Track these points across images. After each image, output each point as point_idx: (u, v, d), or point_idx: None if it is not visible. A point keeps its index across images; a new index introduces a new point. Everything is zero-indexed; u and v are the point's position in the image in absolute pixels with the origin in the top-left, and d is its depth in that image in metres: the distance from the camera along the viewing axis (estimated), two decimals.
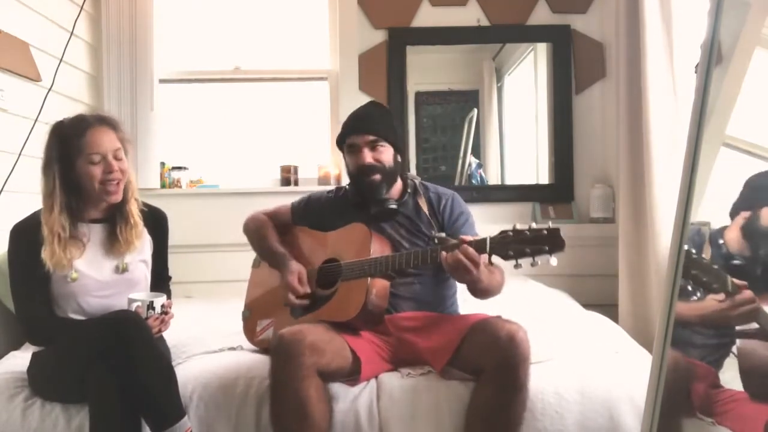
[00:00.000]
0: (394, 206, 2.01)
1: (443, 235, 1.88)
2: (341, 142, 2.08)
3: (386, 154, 2.01)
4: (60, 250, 1.80)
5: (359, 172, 2.01)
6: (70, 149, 1.82)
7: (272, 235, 2.16)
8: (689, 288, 1.30)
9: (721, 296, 1.27)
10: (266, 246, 2.15)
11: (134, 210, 1.93)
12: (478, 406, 1.73)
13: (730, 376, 1.34)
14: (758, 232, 1.30)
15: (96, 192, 1.85)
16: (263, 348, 2.03)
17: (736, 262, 1.35)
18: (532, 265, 1.64)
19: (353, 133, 2.02)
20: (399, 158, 2.06)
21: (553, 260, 1.62)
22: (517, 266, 1.66)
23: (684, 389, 1.37)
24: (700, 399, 1.39)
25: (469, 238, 1.74)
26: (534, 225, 1.66)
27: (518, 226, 1.68)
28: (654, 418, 1.30)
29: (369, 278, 1.87)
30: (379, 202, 2.00)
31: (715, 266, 1.30)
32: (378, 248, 1.93)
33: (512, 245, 1.65)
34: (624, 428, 1.74)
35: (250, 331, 2.13)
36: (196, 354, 2.04)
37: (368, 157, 1.98)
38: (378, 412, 1.78)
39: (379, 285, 1.88)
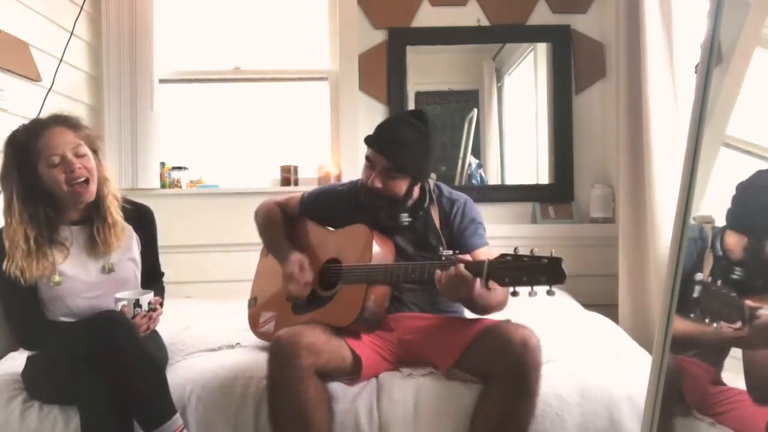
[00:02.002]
0: (406, 222, 1.95)
1: (450, 252, 1.82)
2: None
3: (399, 185, 1.90)
4: (23, 261, 1.75)
5: (364, 190, 1.93)
6: (29, 156, 1.76)
7: (278, 227, 2.13)
8: (706, 319, 1.27)
9: (738, 324, 1.24)
10: (272, 237, 2.13)
11: (112, 208, 1.88)
12: (485, 410, 1.71)
13: (731, 376, 1.34)
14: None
15: (66, 194, 1.80)
16: (265, 339, 2.06)
17: (736, 276, 1.34)
18: (530, 294, 1.53)
19: (373, 148, 1.90)
20: (416, 188, 1.94)
21: (551, 292, 1.51)
22: (514, 294, 1.57)
23: (679, 388, 1.36)
24: (697, 398, 1.38)
25: (467, 258, 1.68)
26: (535, 251, 1.55)
27: (519, 251, 1.57)
28: (654, 419, 1.30)
29: (367, 285, 1.83)
30: (391, 215, 1.93)
31: (733, 295, 1.26)
32: (380, 252, 1.89)
33: (509, 271, 1.56)
34: (624, 430, 1.74)
35: (253, 321, 2.15)
36: (194, 352, 2.05)
37: (377, 181, 1.88)
38: (378, 413, 1.77)
39: (378, 292, 1.84)
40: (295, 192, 2.24)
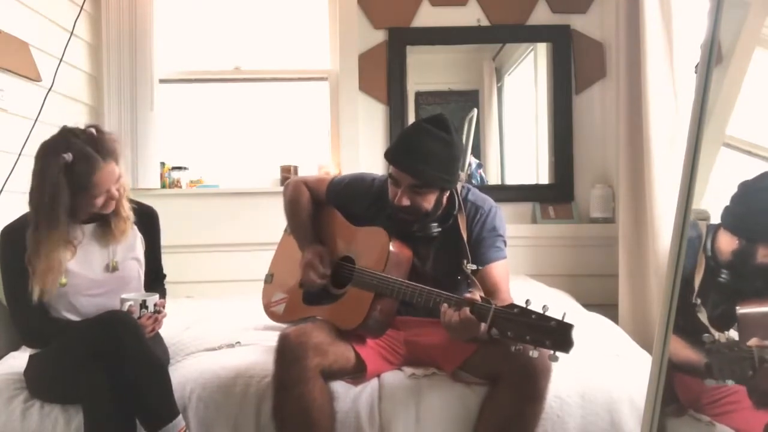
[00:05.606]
0: (436, 233, 1.90)
1: (474, 267, 1.81)
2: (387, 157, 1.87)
3: (427, 199, 1.82)
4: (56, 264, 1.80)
5: (392, 206, 1.86)
6: (77, 187, 1.78)
7: (304, 211, 2.09)
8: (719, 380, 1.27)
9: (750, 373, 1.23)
10: (296, 220, 2.11)
11: (125, 204, 1.91)
12: (492, 412, 1.70)
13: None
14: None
15: (94, 210, 1.85)
16: (273, 319, 2.18)
17: (722, 279, 1.34)
18: (531, 353, 1.47)
19: (397, 166, 1.81)
20: (445, 196, 1.87)
21: (554, 357, 1.45)
22: (516, 349, 1.51)
23: (672, 387, 1.36)
24: (692, 397, 1.38)
25: (476, 297, 1.63)
26: (546, 310, 1.48)
27: (529, 305, 1.51)
28: (654, 420, 1.30)
29: (375, 294, 1.81)
30: (422, 227, 1.89)
31: (737, 342, 1.25)
32: (397, 257, 1.85)
33: (514, 325, 1.51)
34: (625, 431, 1.74)
35: (266, 298, 2.22)
36: (194, 352, 2.05)
37: (404, 199, 1.81)
38: (379, 413, 1.77)
39: (385, 302, 1.82)
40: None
